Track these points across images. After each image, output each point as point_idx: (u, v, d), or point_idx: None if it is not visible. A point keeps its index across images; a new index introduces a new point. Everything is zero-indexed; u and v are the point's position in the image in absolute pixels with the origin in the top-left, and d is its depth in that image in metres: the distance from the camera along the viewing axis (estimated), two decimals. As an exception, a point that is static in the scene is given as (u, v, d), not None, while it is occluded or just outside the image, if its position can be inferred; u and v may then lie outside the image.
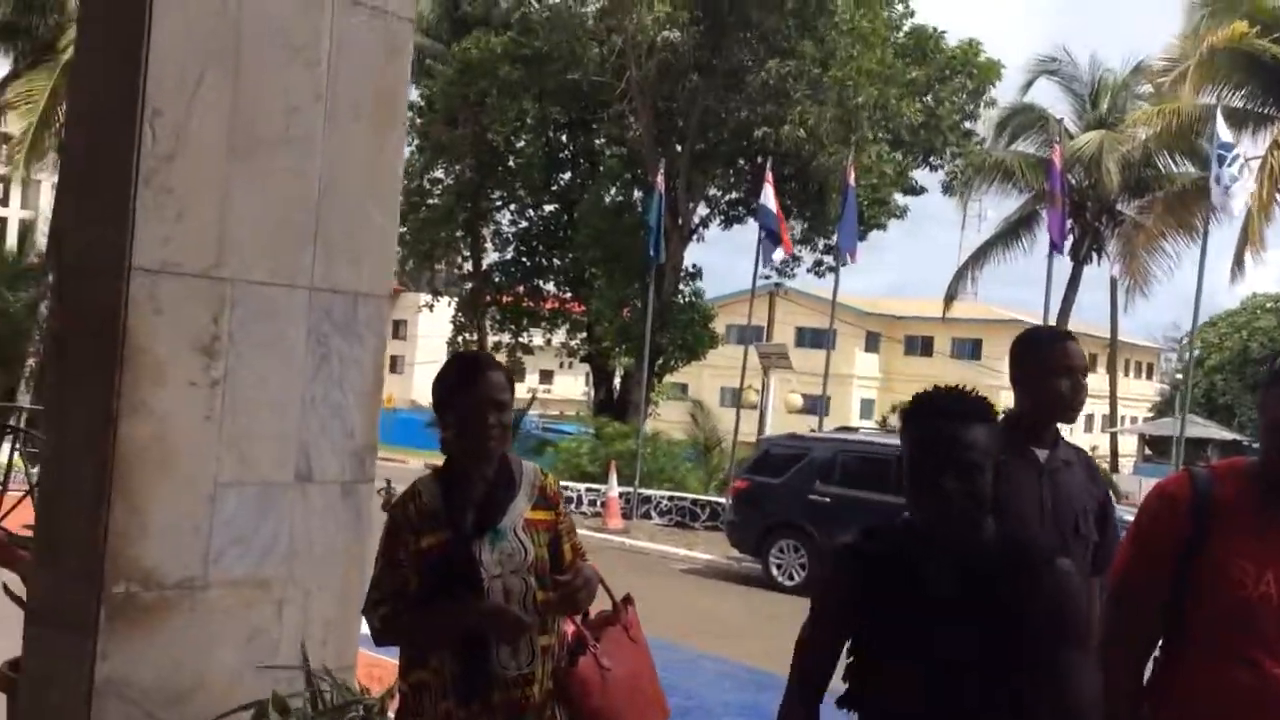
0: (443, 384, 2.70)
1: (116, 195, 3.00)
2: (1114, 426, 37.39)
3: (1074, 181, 24.27)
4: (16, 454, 10.62)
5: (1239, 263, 24.29)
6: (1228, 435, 35.23)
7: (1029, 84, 28.42)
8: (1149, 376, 58.17)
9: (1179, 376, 42.10)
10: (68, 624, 3.02)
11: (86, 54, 3.37)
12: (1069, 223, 27.05)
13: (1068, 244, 27.33)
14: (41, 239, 29.19)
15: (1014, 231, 29.27)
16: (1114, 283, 29.99)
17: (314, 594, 3.35)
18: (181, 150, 3.06)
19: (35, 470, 10.39)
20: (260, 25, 3.19)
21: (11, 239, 36.79)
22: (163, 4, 3.00)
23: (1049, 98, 28.40)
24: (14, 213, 57.05)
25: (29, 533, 4.40)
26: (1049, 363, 2.91)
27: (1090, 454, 3.26)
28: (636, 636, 2.82)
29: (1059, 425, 3.00)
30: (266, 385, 3.30)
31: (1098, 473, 3.13)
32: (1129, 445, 40.39)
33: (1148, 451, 38.92)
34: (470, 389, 2.63)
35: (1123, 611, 2.34)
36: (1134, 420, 46.70)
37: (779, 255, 18.30)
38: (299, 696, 3.01)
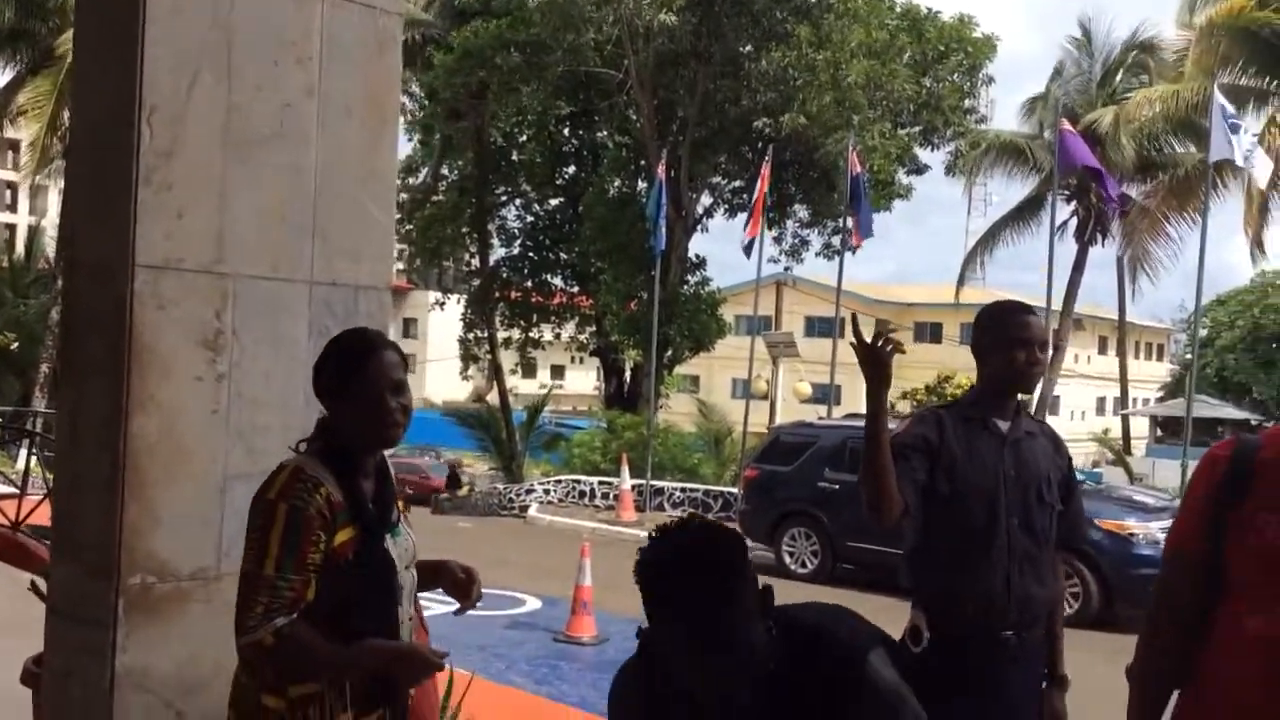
0: (331, 368, 2.41)
1: (119, 194, 3.05)
2: (1125, 409, 37.35)
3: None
4: (34, 458, 10.77)
5: (1259, 244, 24.23)
6: (1239, 415, 35.10)
7: (1059, 67, 28.32)
8: (1160, 358, 57.98)
9: (1188, 357, 42.00)
10: (86, 617, 3.07)
11: (84, 57, 3.41)
12: (1073, 204, 27.06)
13: (1071, 225, 27.33)
14: (49, 244, 29.37)
15: (1022, 214, 29.24)
16: (1120, 264, 29.96)
17: (323, 583, 3.40)
18: (179, 148, 3.11)
19: (51, 474, 10.50)
20: (252, 24, 3.24)
21: (20, 246, 37.01)
22: (155, 6, 3.05)
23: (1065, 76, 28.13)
24: (22, 219, 57.50)
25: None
26: (1008, 334, 3.01)
27: (1054, 428, 3.38)
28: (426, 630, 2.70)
29: (1020, 398, 3.10)
30: (271, 379, 3.35)
31: (1062, 445, 3.23)
32: (1141, 427, 40.28)
33: (1159, 433, 38.82)
34: (365, 371, 2.35)
35: (1168, 571, 2.38)
36: (1146, 402, 46.57)
37: (746, 239, 18.34)
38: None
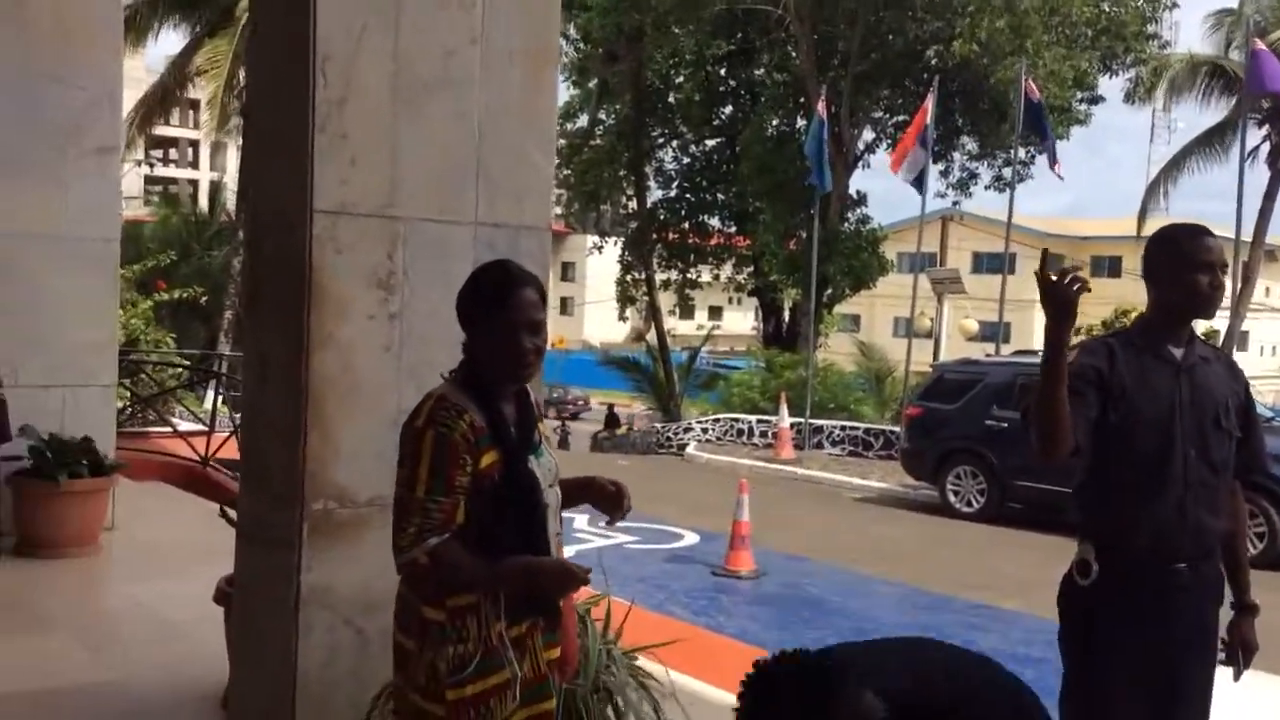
0: (471, 300, 2.47)
1: (296, 142, 3.22)
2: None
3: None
4: (220, 398, 11.46)
5: None
6: None
7: None
8: (1360, 290, 54.15)
9: (1394, 287, 39.12)
10: (274, 540, 3.30)
11: (261, 11, 3.59)
12: (1265, 129, 25.38)
13: (1264, 150, 25.65)
14: (230, 198, 30.81)
15: (1210, 140, 27.51)
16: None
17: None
18: (352, 96, 3.24)
19: (238, 415, 11.19)
20: (417, -29, 3.34)
21: (203, 200, 38.94)
22: (326, -42, 3.18)
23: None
24: (204, 175, 60.54)
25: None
26: (1188, 257, 2.87)
27: (1229, 354, 3.20)
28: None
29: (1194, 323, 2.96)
30: (438, 317, 3.46)
31: (1239, 370, 3.08)
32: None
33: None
34: (502, 308, 2.40)
35: None
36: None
37: (903, 174, 17.68)
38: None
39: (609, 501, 2.60)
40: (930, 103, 17.43)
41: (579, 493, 2.65)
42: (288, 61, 3.27)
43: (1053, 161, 17.50)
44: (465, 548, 2.34)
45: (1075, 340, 2.75)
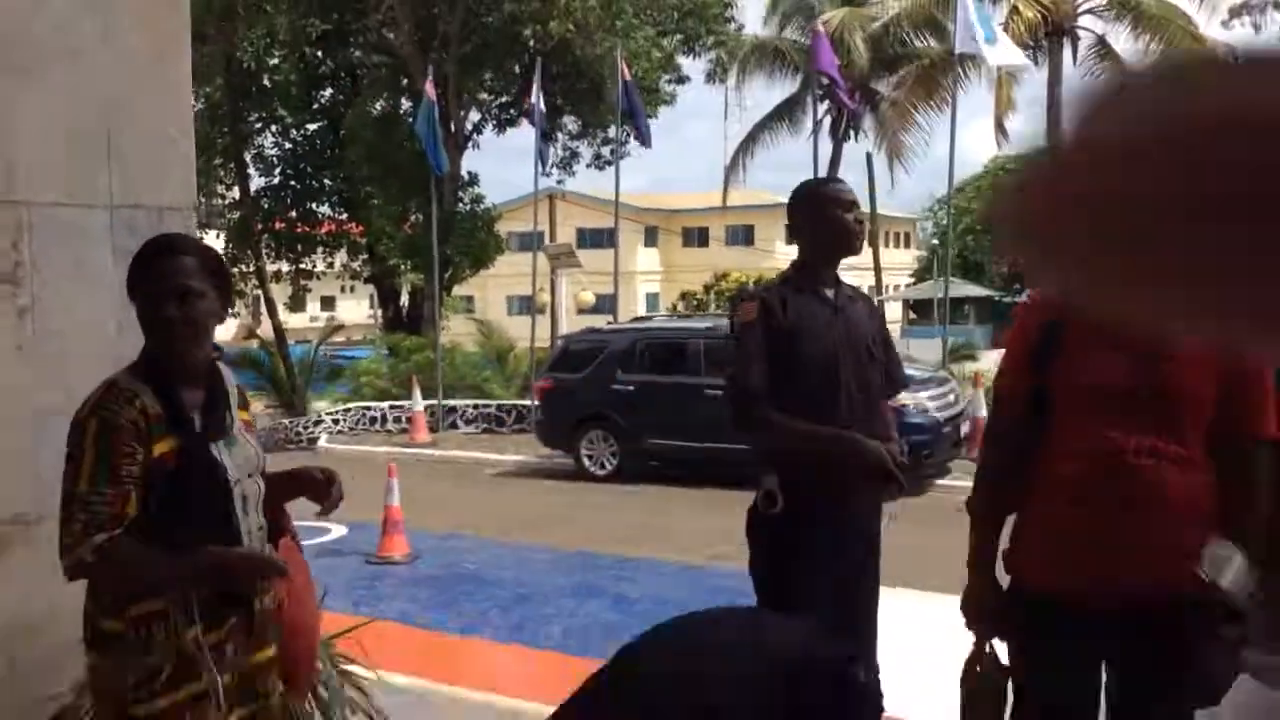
0: (130, 270, 2.33)
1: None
2: (880, 295, 39.53)
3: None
4: None
5: (1000, 128, 25.69)
6: (981, 292, 37.76)
7: None
8: (907, 246, 61.34)
9: (934, 242, 44.67)
10: (-99, 571, 2.93)
11: None
12: (826, 104, 28.16)
13: (826, 123, 28.46)
14: None
15: (780, 116, 30.13)
16: (869, 159, 31.42)
17: (155, 514, 3.33)
18: (-46, 71, 2.92)
19: None
20: (20, -67, 3.05)
21: None
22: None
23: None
24: None
25: None
26: (830, 197, 3.22)
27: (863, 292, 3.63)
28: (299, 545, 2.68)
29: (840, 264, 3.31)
30: (76, 310, 3.22)
31: (874, 306, 3.52)
32: (894, 312, 42.70)
33: (913, 315, 41.29)
34: (147, 275, 2.27)
35: (996, 411, 2.61)
36: (897, 288, 49.33)
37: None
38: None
39: (317, 491, 2.50)
40: (536, 83, 17.85)
41: (292, 485, 2.54)
42: None
43: (646, 140, 18.44)
44: (146, 544, 2.18)
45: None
